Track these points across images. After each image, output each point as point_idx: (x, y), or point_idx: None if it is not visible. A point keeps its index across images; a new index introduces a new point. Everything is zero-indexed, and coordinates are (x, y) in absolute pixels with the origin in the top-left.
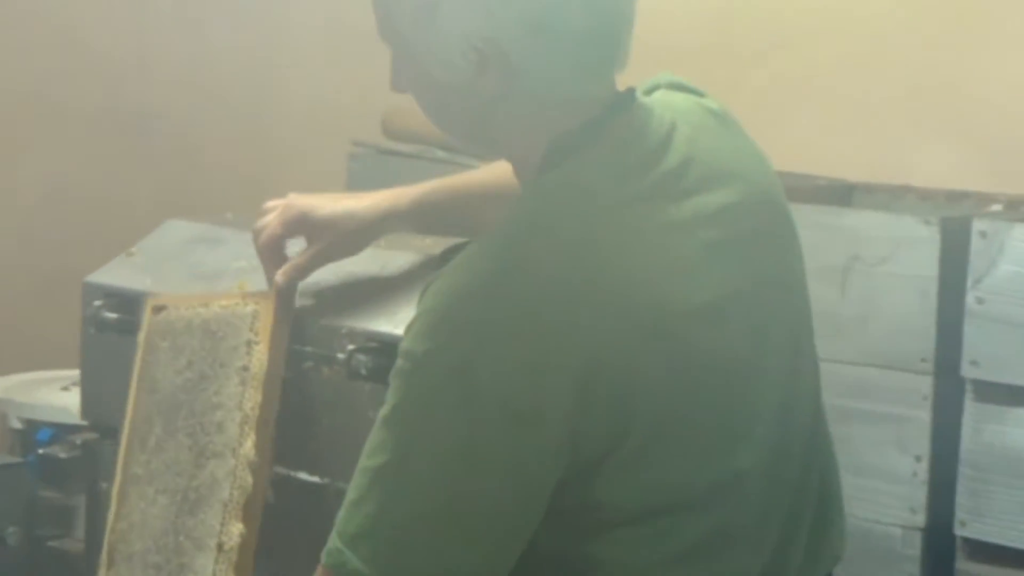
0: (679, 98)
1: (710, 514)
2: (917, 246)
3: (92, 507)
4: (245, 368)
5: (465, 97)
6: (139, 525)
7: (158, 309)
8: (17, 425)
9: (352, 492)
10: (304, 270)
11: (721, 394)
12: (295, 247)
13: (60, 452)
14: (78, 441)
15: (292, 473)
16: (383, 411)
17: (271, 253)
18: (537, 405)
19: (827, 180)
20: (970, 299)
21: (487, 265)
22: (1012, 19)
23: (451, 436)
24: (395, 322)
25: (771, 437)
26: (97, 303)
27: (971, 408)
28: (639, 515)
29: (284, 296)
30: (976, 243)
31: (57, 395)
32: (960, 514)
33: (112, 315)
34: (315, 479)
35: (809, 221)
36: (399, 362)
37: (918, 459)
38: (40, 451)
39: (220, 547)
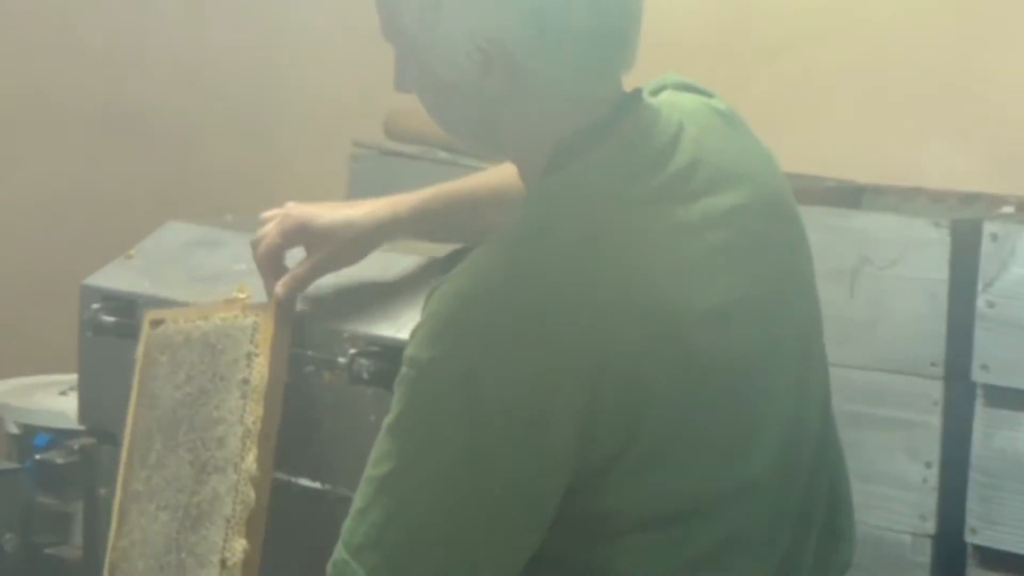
0: (686, 99)
1: (720, 521)
2: (927, 249)
3: (90, 514)
4: (246, 381)
5: (469, 97)
6: (140, 543)
7: (156, 323)
8: (14, 430)
9: (358, 501)
10: (304, 281)
11: (730, 398)
12: (294, 257)
13: (57, 458)
14: (76, 446)
15: (293, 479)
16: (388, 419)
17: (270, 264)
18: (544, 411)
19: (836, 182)
20: (981, 303)
21: (493, 269)
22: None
23: (457, 444)
24: (398, 326)
25: (781, 442)
26: (95, 306)
27: (982, 413)
28: (648, 522)
29: (284, 307)
30: (987, 246)
31: (55, 400)
32: (971, 521)
33: (110, 318)
34: (316, 485)
35: (818, 223)
36: (404, 369)
37: (928, 465)
38: (37, 457)
39: (223, 563)
